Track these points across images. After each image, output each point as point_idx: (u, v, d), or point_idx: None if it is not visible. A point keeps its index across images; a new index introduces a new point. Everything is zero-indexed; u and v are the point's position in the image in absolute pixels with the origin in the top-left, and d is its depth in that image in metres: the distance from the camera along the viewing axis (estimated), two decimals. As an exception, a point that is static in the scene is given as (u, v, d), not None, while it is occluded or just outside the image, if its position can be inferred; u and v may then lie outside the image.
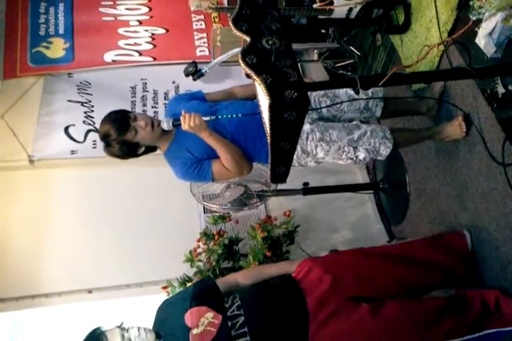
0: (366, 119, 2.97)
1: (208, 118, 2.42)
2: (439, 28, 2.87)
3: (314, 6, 3.25)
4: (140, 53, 4.73)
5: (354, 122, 2.80)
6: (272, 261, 3.31)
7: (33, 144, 4.23)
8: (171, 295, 3.16)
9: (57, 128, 4.32)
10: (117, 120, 2.51)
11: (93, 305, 3.87)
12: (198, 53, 4.74)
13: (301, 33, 3.95)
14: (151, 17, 4.95)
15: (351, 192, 4.16)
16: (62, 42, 4.74)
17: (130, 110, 2.77)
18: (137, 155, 2.66)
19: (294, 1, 3.46)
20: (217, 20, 4.93)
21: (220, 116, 2.48)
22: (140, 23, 4.90)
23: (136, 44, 4.77)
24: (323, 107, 2.77)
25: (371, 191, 4.21)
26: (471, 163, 2.76)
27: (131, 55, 4.72)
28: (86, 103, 4.45)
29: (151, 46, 4.77)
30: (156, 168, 3.17)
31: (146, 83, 4.62)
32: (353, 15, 3.41)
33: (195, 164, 2.58)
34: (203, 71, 2.54)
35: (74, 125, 4.33)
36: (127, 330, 2.02)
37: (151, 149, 2.69)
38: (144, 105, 4.52)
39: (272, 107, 1.46)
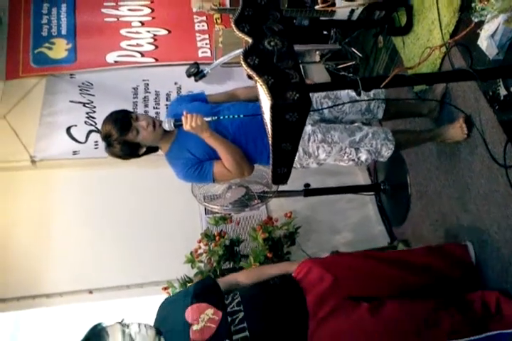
0: (368, 121, 2.97)
1: (209, 119, 2.43)
2: (441, 29, 2.87)
3: (316, 7, 3.26)
4: (142, 54, 4.74)
5: (356, 124, 2.80)
6: (273, 262, 3.31)
7: (35, 144, 4.23)
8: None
9: (59, 128, 4.32)
10: (119, 120, 2.51)
11: (94, 305, 3.87)
12: (200, 54, 4.74)
13: (303, 35, 3.95)
14: (153, 18, 4.95)
15: (352, 194, 4.16)
16: (65, 43, 4.75)
17: (132, 111, 2.77)
18: (138, 156, 2.66)
19: (296, 2, 3.46)
20: (219, 21, 4.94)
21: (221, 117, 2.48)
22: (142, 24, 4.90)
23: (138, 45, 4.78)
24: (325, 108, 2.78)
25: (372, 192, 4.21)
26: (473, 165, 2.76)
27: (133, 56, 4.72)
28: (88, 104, 4.45)
29: (153, 47, 4.77)
30: (158, 169, 3.18)
31: (148, 84, 4.63)
32: (355, 16, 3.41)
33: (196, 165, 2.58)
34: (205, 72, 2.55)
35: (76, 125, 4.33)
36: (128, 326, 2.02)
37: (152, 149, 2.69)
38: (146, 106, 4.52)
39: (273, 108, 1.46)
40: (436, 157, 3.19)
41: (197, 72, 2.55)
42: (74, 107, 4.43)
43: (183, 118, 2.39)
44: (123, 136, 2.50)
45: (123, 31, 4.84)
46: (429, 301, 2.22)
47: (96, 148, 4.18)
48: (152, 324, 2.14)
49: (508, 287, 2.47)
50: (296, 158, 2.64)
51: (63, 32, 4.82)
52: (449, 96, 2.94)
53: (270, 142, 1.66)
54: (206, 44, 4.81)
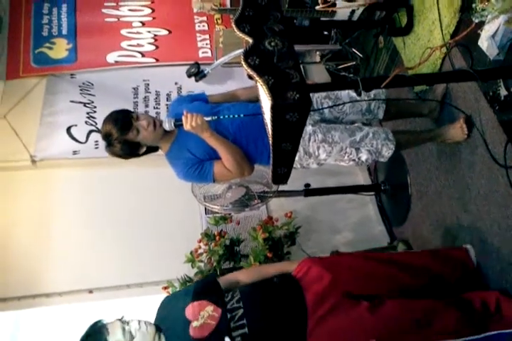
0: (368, 121, 2.97)
1: (209, 119, 2.43)
2: (441, 30, 2.87)
3: (317, 7, 3.26)
4: (143, 54, 4.74)
5: (356, 124, 2.80)
6: (273, 262, 3.32)
7: (35, 144, 4.24)
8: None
9: (60, 128, 4.33)
10: (119, 119, 2.51)
11: (94, 305, 3.88)
12: (201, 55, 4.75)
13: (303, 35, 3.96)
14: (153, 18, 4.95)
15: (353, 194, 4.17)
16: (65, 43, 4.76)
17: (132, 110, 2.77)
18: (139, 155, 2.66)
19: (297, 2, 3.47)
20: (219, 21, 4.94)
21: (221, 117, 2.48)
22: (143, 24, 4.91)
23: (138, 45, 4.78)
24: (325, 108, 2.78)
25: (373, 193, 4.21)
26: (473, 165, 2.76)
27: (134, 56, 4.73)
28: (88, 103, 4.45)
29: (153, 47, 4.78)
30: (158, 169, 3.18)
31: (148, 84, 4.63)
32: (355, 17, 3.42)
33: (196, 164, 2.58)
34: (205, 72, 2.55)
35: (76, 125, 4.34)
36: (128, 323, 2.04)
37: (152, 149, 2.69)
38: (146, 106, 4.53)
39: (273, 108, 1.46)
40: (437, 157, 3.19)
41: (197, 72, 2.54)
42: (74, 107, 4.44)
43: (184, 118, 2.39)
44: (123, 135, 2.50)
45: (123, 31, 4.84)
46: (428, 300, 2.22)
47: (96, 147, 4.18)
48: (153, 321, 2.15)
49: (508, 287, 2.47)
50: (297, 158, 2.65)
51: (64, 32, 4.82)
52: (450, 96, 2.94)
53: (270, 142, 1.66)
54: (207, 44, 4.81)
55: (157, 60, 4.72)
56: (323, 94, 2.82)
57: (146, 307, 2.33)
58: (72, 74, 4.63)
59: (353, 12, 3.36)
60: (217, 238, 3.67)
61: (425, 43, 3.11)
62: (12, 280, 3.81)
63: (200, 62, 2.74)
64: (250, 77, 1.60)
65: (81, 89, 4.54)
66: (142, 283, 3.88)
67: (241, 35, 1.67)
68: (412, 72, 2.27)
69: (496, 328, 2.17)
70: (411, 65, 3.01)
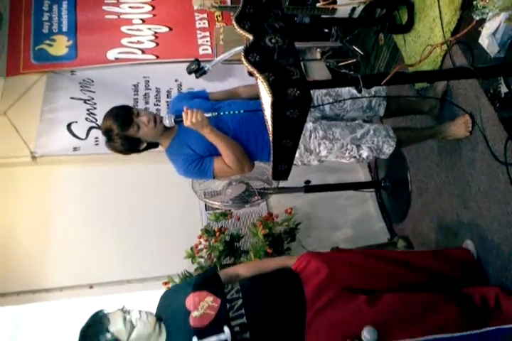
0: (369, 118, 2.97)
1: (209, 115, 2.43)
2: (442, 27, 2.87)
3: (317, 5, 3.26)
4: (143, 51, 4.74)
5: (357, 121, 2.80)
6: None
7: (35, 141, 4.25)
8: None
9: (60, 125, 4.33)
10: (120, 115, 2.52)
11: (94, 300, 3.88)
12: (201, 52, 4.75)
13: (304, 32, 3.95)
14: (154, 15, 4.95)
15: (353, 191, 4.17)
16: (66, 40, 4.75)
17: (133, 106, 2.77)
18: (139, 151, 2.66)
19: (298, 0, 3.46)
20: (220, 19, 4.94)
21: (222, 113, 2.48)
22: (143, 21, 4.91)
23: (139, 42, 4.78)
24: (326, 104, 2.78)
25: (373, 189, 4.22)
26: (473, 162, 2.76)
27: (134, 53, 4.73)
28: (88, 100, 4.46)
29: (154, 44, 4.78)
30: (158, 165, 3.18)
31: (148, 81, 4.63)
32: (356, 14, 3.41)
33: (196, 161, 2.59)
34: (206, 69, 2.54)
35: (76, 122, 4.34)
36: (129, 313, 2.07)
37: (152, 145, 2.69)
38: (147, 103, 4.53)
39: (274, 105, 1.46)
40: (437, 154, 3.19)
41: (197, 69, 2.54)
42: (74, 104, 4.44)
43: (184, 114, 2.39)
44: (124, 131, 2.50)
45: (124, 28, 4.84)
46: (428, 294, 2.23)
47: (96, 144, 4.19)
48: (154, 312, 2.18)
49: (508, 284, 2.47)
50: (298, 155, 2.65)
51: (64, 29, 4.82)
52: (450, 93, 2.94)
53: (271, 138, 1.66)
54: (207, 41, 4.81)
55: (157, 57, 4.72)
56: (324, 91, 2.82)
57: (147, 302, 2.35)
58: (72, 71, 4.64)
59: (353, 9, 3.36)
60: (217, 234, 3.67)
61: (426, 41, 3.11)
62: (12, 276, 3.82)
63: (200, 59, 2.74)
64: (251, 74, 1.61)
65: (81, 86, 4.54)
66: (143, 278, 3.89)
67: (241, 32, 1.68)
68: (413, 69, 2.27)
69: (495, 324, 2.18)
70: (411, 63, 3.01)
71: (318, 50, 4.32)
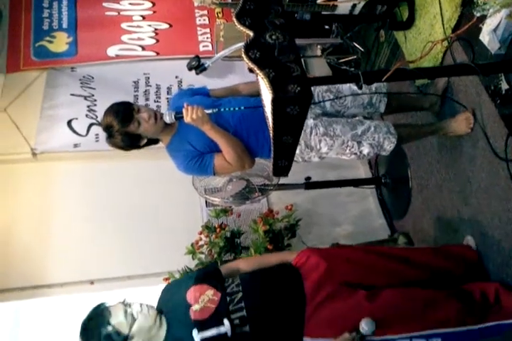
0: (370, 115, 2.97)
1: (210, 111, 2.43)
2: (443, 24, 2.86)
3: (318, 1, 3.25)
4: (143, 48, 4.74)
5: (357, 118, 2.80)
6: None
7: (36, 137, 4.25)
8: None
9: (60, 121, 4.33)
10: (120, 111, 2.51)
11: (95, 295, 3.89)
12: (201, 48, 4.75)
13: (304, 29, 3.94)
14: (154, 12, 4.94)
15: (353, 187, 4.17)
16: (66, 37, 4.75)
17: (133, 103, 2.77)
18: (139, 147, 2.66)
19: (298, -4, 3.45)
20: (220, 15, 4.93)
21: (222, 109, 2.48)
22: (143, 18, 4.90)
23: (139, 39, 4.77)
24: (326, 100, 2.78)
25: (373, 186, 4.22)
26: (474, 159, 2.76)
27: (135, 50, 4.73)
28: (89, 97, 4.46)
29: (154, 41, 4.77)
30: (159, 162, 3.18)
31: (148, 78, 4.63)
32: (356, 11, 3.41)
33: (196, 157, 2.58)
34: (206, 65, 2.54)
35: (77, 118, 4.35)
36: (130, 306, 2.09)
37: (153, 141, 2.69)
38: (147, 99, 4.53)
39: (274, 101, 1.46)
40: (438, 151, 3.19)
41: (198, 66, 2.54)
42: (75, 100, 4.44)
43: (184, 110, 2.39)
44: (124, 127, 2.50)
45: (124, 25, 4.84)
46: (428, 290, 2.24)
47: (97, 141, 4.19)
48: (155, 305, 2.20)
49: (509, 280, 2.48)
50: (298, 151, 2.65)
51: (64, 25, 4.81)
52: (451, 90, 2.94)
53: (271, 135, 1.66)
54: (207, 38, 4.81)
55: (158, 54, 4.72)
56: (325, 87, 2.82)
57: (147, 298, 2.37)
58: (72, 68, 4.64)
59: (354, 6, 3.35)
60: (217, 230, 3.68)
61: (426, 37, 3.11)
62: (13, 272, 3.83)
63: (200, 55, 2.73)
64: (251, 71, 1.61)
65: (81, 83, 4.54)
66: (143, 274, 3.90)
67: (242, 28, 1.67)
68: (414, 65, 2.27)
69: (494, 319, 2.20)
70: (412, 59, 3.01)
71: (318, 46, 4.32)
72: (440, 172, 3.18)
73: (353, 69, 4.16)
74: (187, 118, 2.39)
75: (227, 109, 2.50)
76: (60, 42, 4.72)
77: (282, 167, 1.89)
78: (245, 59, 1.53)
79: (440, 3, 2.88)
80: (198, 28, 4.86)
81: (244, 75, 3.98)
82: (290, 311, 2.12)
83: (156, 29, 4.83)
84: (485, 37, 2.34)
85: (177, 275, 3.52)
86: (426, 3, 3.08)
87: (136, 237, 4.02)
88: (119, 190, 4.22)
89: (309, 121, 2.65)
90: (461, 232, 2.94)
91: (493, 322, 2.20)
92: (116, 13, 4.90)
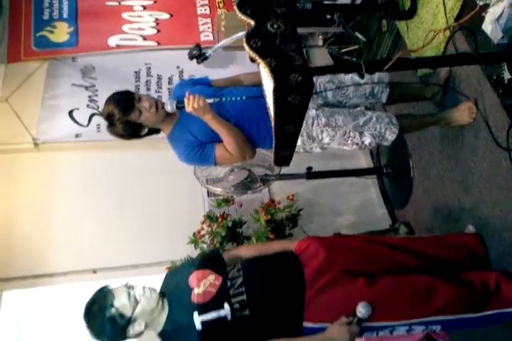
0: (372, 105, 2.97)
1: (211, 101, 2.42)
2: (445, 13, 2.85)
3: (320, -10, 3.24)
4: (144, 38, 4.72)
5: (359, 108, 2.79)
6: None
7: (37, 127, 4.26)
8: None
9: (62, 111, 4.34)
10: (121, 100, 2.52)
11: (98, 284, 3.91)
12: (203, 38, 4.72)
13: (306, 18, 3.92)
14: (155, 2, 4.92)
15: (355, 177, 4.18)
16: (66, 27, 4.73)
17: (134, 92, 2.76)
18: (140, 136, 2.65)
19: (300, -15, 3.43)
20: (221, 5, 4.91)
21: (223, 99, 2.48)
22: (144, 7, 4.87)
23: (140, 29, 4.76)
24: (328, 90, 2.77)
25: (375, 176, 4.22)
26: (476, 149, 2.76)
27: (136, 40, 4.71)
28: (90, 87, 4.46)
29: (155, 31, 4.75)
30: (161, 152, 3.18)
31: (150, 68, 4.62)
32: (358, 0, 3.39)
33: (197, 147, 2.58)
34: (207, 54, 2.54)
35: (78, 109, 4.36)
36: (133, 288, 2.13)
37: (154, 131, 2.69)
38: (148, 90, 4.52)
39: (276, 90, 1.46)
40: (439, 141, 3.19)
41: (199, 55, 2.54)
42: (76, 90, 4.45)
43: (186, 100, 2.39)
44: (125, 116, 2.50)
45: (125, 15, 4.82)
46: (428, 277, 2.24)
47: (98, 131, 4.20)
48: (158, 289, 2.23)
49: (510, 269, 2.48)
50: (300, 142, 2.65)
51: (65, 15, 4.79)
52: (453, 80, 2.93)
53: (273, 124, 1.66)
54: (208, 28, 4.78)
55: (159, 44, 4.70)
56: (327, 78, 2.81)
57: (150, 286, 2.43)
58: (73, 58, 4.63)
59: (356, -5, 3.34)
60: (219, 220, 3.69)
61: (429, 27, 3.09)
62: (16, 261, 3.85)
63: (201, 45, 2.74)
64: (252, 60, 1.60)
65: (82, 73, 4.54)
66: (145, 263, 3.91)
67: (243, 17, 1.67)
68: (416, 55, 2.26)
69: (495, 307, 2.21)
70: (414, 49, 3.00)
71: (320, 36, 4.30)
72: (442, 162, 3.18)
73: (354, 59, 4.14)
74: (188, 108, 2.38)
75: (228, 98, 2.50)
76: (60, 33, 4.71)
77: (284, 156, 1.89)
78: (246, 48, 1.53)
79: (442, -8, 2.86)
80: (199, 18, 4.84)
81: (245, 65, 3.96)
82: (290, 296, 2.15)
83: (156, 19, 4.81)
84: (488, 26, 2.33)
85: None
86: (428, -8, 3.07)
87: (139, 227, 4.03)
88: (121, 180, 4.23)
89: (311, 112, 2.65)
90: (463, 222, 2.94)
91: (493, 310, 2.21)
92: (116, 3, 4.88)
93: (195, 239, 3.65)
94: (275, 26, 1.57)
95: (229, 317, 2.04)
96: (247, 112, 2.62)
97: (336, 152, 3.87)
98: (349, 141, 2.71)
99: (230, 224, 3.70)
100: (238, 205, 3.96)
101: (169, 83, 4.54)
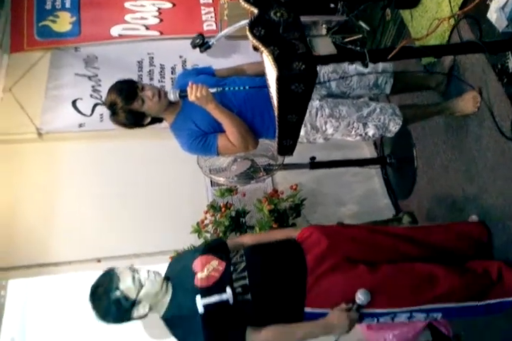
0: (375, 96, 2.96)
1: (214, 90, 2.42)
2: (450, 2, 2.83)
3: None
4: (147, 27, 4.71)
5: (363, 99, 2.78)
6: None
7: (40, 117, 4.26)
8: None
9: (65, 101, 4.34)
10: (124, 89, 2.51)
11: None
12: (206, 28, 4.70)
13: (309, 7, 3.90)
14: (157, -9, 4.90)
15: (358, 167, 4.17)
16: (69, 16, 4.72)
17: (137, 80, 2.76)
18: (143, 125, 2.65)
19: (303, -26, 3.42)
20: (224, -6, 4.88)
21: (227, 88, 2.47)
22: (146, -3, 4.86)
23: (142, 18, 4.74)
24: (332, 80, 2.76)
25: (378, 166, 4.22)
26: (480, 138, 2.75)
27: (138, 30, 4.70)
28: (93, 77, 4.45)
29: (157, 20, 4.73)
30: (164, 141, 3.18)
31: (152, 57, 4.60)
32: (362, -11, 3.37)
33: (200, 137, 2.58)
34: (210, 43, 2.53)
35: (81, 99, 4.35)
36: (137, 272, 2.18)
37: (157, 120, 2.68)
38: (151, 79, 4.51)
39: (279, 79, 1.46)
40: (443, 131, 3.18)
41: (202, 43, 2.53)
42: (79, 80, 4.44)
43: (188, 89, 2.38)
44: (128, 104, 2.49)
45: (127, 4, 4.79)
46: (430, 265, 2.25)
47: (101, 121, 4.19)
48: (163, 273, 2.29)
49: (513, 258, 2.49)
50: (304, 132, 2.65)
51: (67, 5, 4.77)
52: (457, 69, 2.91)
53: (276, 113, 1.66)
54: (211, 17, 4.76)
55: (161, 33, 4.68)
56: (330, 68, 2.80)
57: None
58: (76, 48, 4.62)
59: (360, -16, 3.32)
60: (223, 209, 3.69)
61: (433, 15, 3.07)
62: (21, 250, 3.86)
63: (204, 35, 2.73)
64: (256, 49, 1.60)
65: (85, 63, 4.53)
66: (149, 252, 3.92)
67: (246, 5, 1.66)
68: (420, 43, 2.25)
69: (497, 296, 2.22)
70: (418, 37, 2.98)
71: (323, 25, 4.28)
72: (446, 151, 3.17)
73: (358, 48, 4.12)
74: (191, 97, 2.38)
75: (231, 88, 2.49)
76: (63, 22, 4.69)
77: (287, 146, 1.89)
78: (250, 36, 1.52)
79: (447, -19, 2.84)
80: (202, 7, 4.81)
81: (248, 55, 3.95)
82: (291, 281, 2.18)
83: (159, 8, 4.79)
84: (492, 14, 2.32)
85: (183, 254, 3.56)
86: (433, -20, 3.05)
87: (142, 216, 4.04)
88: (124, 169, 4.23)
89: (315, 103, 2.64)
90: (466, 211, 2.94)
91: (495, 299, 2.22)
92: (119, -7, 4.86)
93: (199, 229, 3.66)
94: (278, 14, 1.57)
95: (231, 301, 2.08)
96: (250, 102, 2.61)
97: (340, 142, 3.83)
98: (353, 132, 2.71)
99: (233, 213, 3.71)
100: (241, 195, 3.96)
101: (172, 73, 4.53)
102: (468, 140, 2.88)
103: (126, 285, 2.11)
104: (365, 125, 2.67)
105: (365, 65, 1.89)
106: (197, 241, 3.64)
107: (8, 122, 4.22)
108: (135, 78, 4.34)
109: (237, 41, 4.21)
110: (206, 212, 3.75)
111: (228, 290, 2.08)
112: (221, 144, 2.59)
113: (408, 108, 2.84)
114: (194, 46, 2.55)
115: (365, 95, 2.86)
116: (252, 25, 1.53)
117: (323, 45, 4.57)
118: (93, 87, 4.39)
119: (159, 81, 4.50)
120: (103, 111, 3.98)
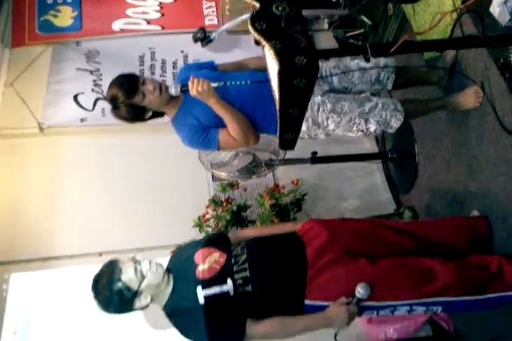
0: (377, 92, 2.95)
1: (216, 85, 2.41)
2: (452, -4, 2.83)
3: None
4: (148, 22, 4.70)
5: (364, 94, 2.78)
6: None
7: (42, 112, 4.26)
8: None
9: (67, 96, 4.33)
10: (125, 83, 2.51)
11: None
12: (207, 22, 4.70)
13: (311, 1, 3.89)
14: (159, -15, 4.89)
15: (360, 162, 4.17)
16: (70, 11, 4.72)
17: (139, 75, 2.75)
18: (144, 120, 2.65)
19: (305, -32, 3.41)
20: (226, -12, 4.87)
21: (228, 83, 2.46)
22: (148, -9, 4.85)
23: (144, 12, 4.73)
24: (334, 75, 2.76)
25: (380, 161, 4.22)
26: (482, 134, 2.75)
27: (140, 24, 4.69)
28: (95, 71, 4.45)
29: (159, 15, 4.73)
30: (165, 136, 3.17)
31: (154, 52, 4.60)
32: (364, -18, 3.36)
33: (201, 131, 2.58)
34: (212, 37, 2.52)
35: (83, 93, 4.34)
36: (139, 263, 2.20)
37: (158, 114, 2.68)
38: (153, 74, 4.51)
39: (281, 73, 1.46)
40: (445, 126, 3.17)
41: (203, 37, 2.52)
42: (81, 75, 4.44)
43: (190, 83, 2.38)
44: (129, 99, 2.49)
45: (129, -1, 4.79)
46: (430, 259, 2.26)
47: (103, 115, 4.19)
48: (165, 265, 2.32)
49: (513, 253, 2.49)
50: (305, 128, 2.65)
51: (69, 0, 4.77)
52: (459, 63, 2.90)
53: (277, 107, 1.65)
54: (213, 12, 4.75)
55: (163, 28, 4.68)
56: (332, 63, 2.80)
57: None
58: (77, 42, 4.62)
59: (362, -22, 3.31)
60: (224, 204, 3.70)
61: (435, 10, 3.06)
62: (23, 244, 3.87)
63: (206, 29, 2.72)
64: (257, 43, 1.59)
65: (87, 57, 4.54)
66: (151, 246, 3.92)
67: (248, -1, 1.66)
68: (422, 38, 2.24)
69: (497, 291, 2.22)
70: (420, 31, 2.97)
71: (325, 20, 4.27)
72: (447, 147, 3.16)
73: (360, 43, 4.11)
74: (192, 91, 2.38)
75: (233, 83, 2.48)
76: (64, 17, 4.69)
77: (288, 140, 1.89)
78: (251, 30, 1.52)
79: (450, -25, 2.83)
80: (204, 2, 4.80)
81: (250, 49, 3.94)
82: (292, 274, 2.20)
83: (160, 3, 4.78)
84: (495, 9, 2.31)
85: (184, 248, 3.56)
86: (435, -26, 3.04)
87: (144, 210, 4.04)
88: (126, 164, 4.23)
89: (316, 98, 2.64)
90: (467, 206, 2.94)
91: (495, 293, 2.22)
92: (120, -13, 4.85)
93: (200, 223, 3.66)
94: (280, 8, 1.56)
95: (231, 292, 2.11)
96: (251, 97, 2.61)
97: (341, 137, 3.83)
98: (354, 128, 2.71)
99: (234, 208, 3.71)
100: (243, 190, 3.96)
101: (174, 67, 4.53)
102: (470, 135, 2.88)
103: (128, 276, 2.13)
104: (366, 121, 2.67)
105: (367, 60, 1.89)
106: (198, 236, 3.63)
107: (9, 117, 4.23)
108: (136, 73, 4.34)
109: (239, 36, 4.20)
110: (207, 207, 3.75)
111: (229, 281, 2.11)
112: (222, 139, 2.59)
113: (410, 103, 2.84)
114: (195, 40, 2.54)
115: (367, 90, 2.85)
116: (254, 20, 1.53)
117: (325, 40, 4.56)
118: (94, 81, 4.39)
119: (161, 75, 4.50)
120: (105, 105, 3.98)
